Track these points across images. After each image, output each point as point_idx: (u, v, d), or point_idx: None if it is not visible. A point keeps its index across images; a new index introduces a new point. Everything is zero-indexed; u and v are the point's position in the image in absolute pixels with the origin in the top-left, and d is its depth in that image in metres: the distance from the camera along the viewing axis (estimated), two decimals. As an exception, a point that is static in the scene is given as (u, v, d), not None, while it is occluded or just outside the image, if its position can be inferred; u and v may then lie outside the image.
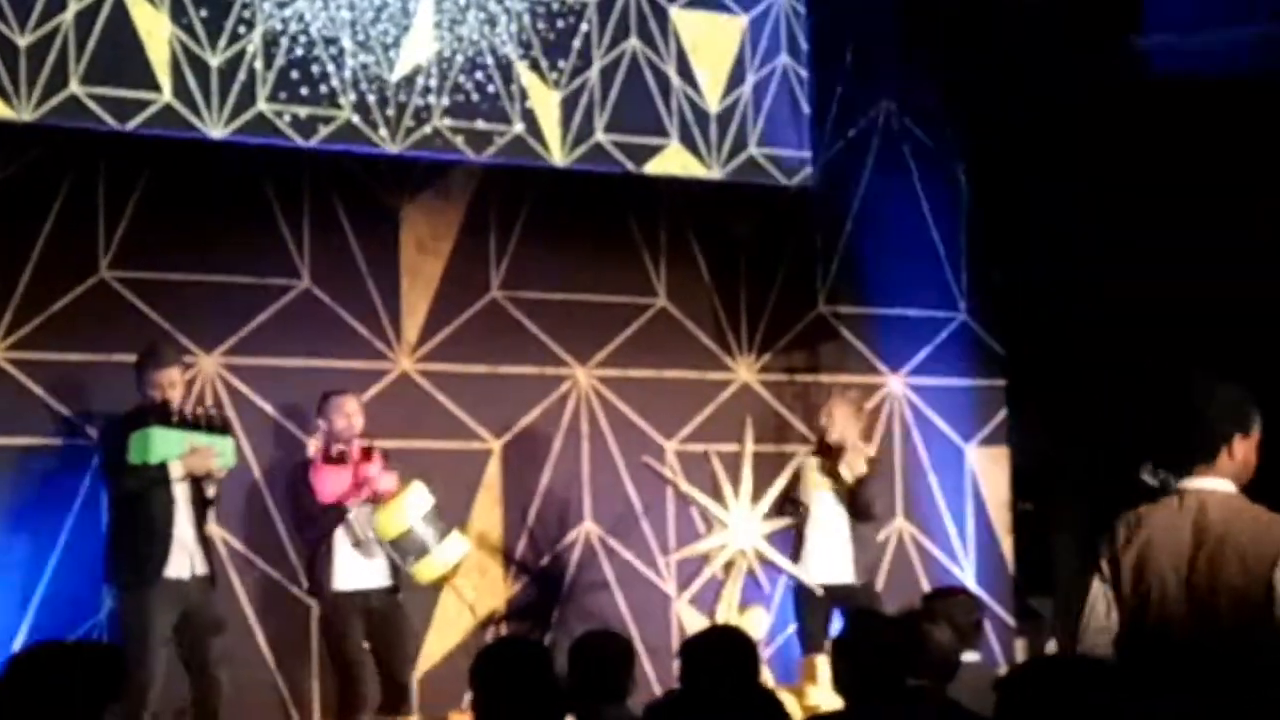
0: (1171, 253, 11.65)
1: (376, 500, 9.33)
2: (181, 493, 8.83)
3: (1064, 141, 11.81)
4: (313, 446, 9.60)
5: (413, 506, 9.28)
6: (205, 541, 9.00)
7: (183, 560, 8.84)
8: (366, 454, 9.45)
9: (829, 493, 10.18)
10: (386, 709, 9.38)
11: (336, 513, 9.31)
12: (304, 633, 9.94)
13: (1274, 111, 11.54)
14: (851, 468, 10.10)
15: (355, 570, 9.39)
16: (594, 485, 10.83)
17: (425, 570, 9.33)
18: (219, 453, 8.94)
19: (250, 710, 9.59)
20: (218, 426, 9.03)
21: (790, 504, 10.22)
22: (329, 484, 9.37)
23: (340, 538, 9.35)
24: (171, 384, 8.91)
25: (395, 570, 9.38)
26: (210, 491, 8.97)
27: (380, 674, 9.41)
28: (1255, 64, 11.77)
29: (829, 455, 10.18)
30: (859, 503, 10.11)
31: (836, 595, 10.00)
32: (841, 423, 10.18)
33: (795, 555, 10.18)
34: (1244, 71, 11.74)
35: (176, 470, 8.78)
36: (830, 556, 10.14)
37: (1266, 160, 11.54)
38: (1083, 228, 12.06)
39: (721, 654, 5.55)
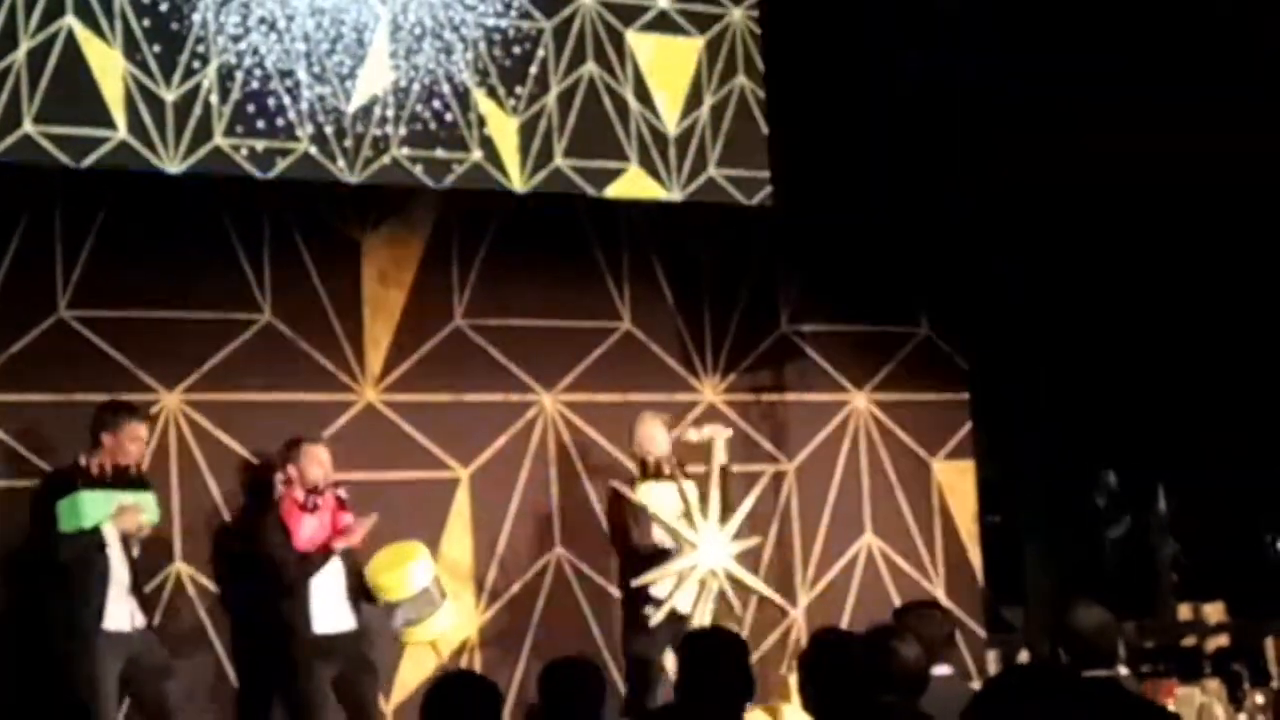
0: (1136, 266, 11.26)
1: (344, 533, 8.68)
2: (114, 549, 8.14)
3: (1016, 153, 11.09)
4: (280, 488, 8.69)
5: (422, 571, 8.74)
6: (141, 595, 8.30)
7: (121, 613, 8.16)
8: (340, 502, 8.78)
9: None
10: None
11: (317, 561, 8.61)
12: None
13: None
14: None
15: (331, 614, 8.69)
16: (563, 510, 10.04)
17: (419, 635, 8.84)
18: (144, 508, 8.24)
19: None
20: (139, 482, 8.29)
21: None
22: (306, 531, 8.64)
23: (316, 583, 8.63)
24: (134, 439, 8.25)
25: (362, 613, 8.75)
26: (135, 551, 8.26)
27: (348, 714, 8.72)
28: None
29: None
30: None
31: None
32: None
33: None
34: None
35: (111, 533, 8.10)
36: None
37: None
38: (1038, 241, 11.47)
39: (718, 649, 5.48)
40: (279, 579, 8.66)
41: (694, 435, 9.55)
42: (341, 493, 8.79)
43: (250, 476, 9.14)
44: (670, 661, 9.10)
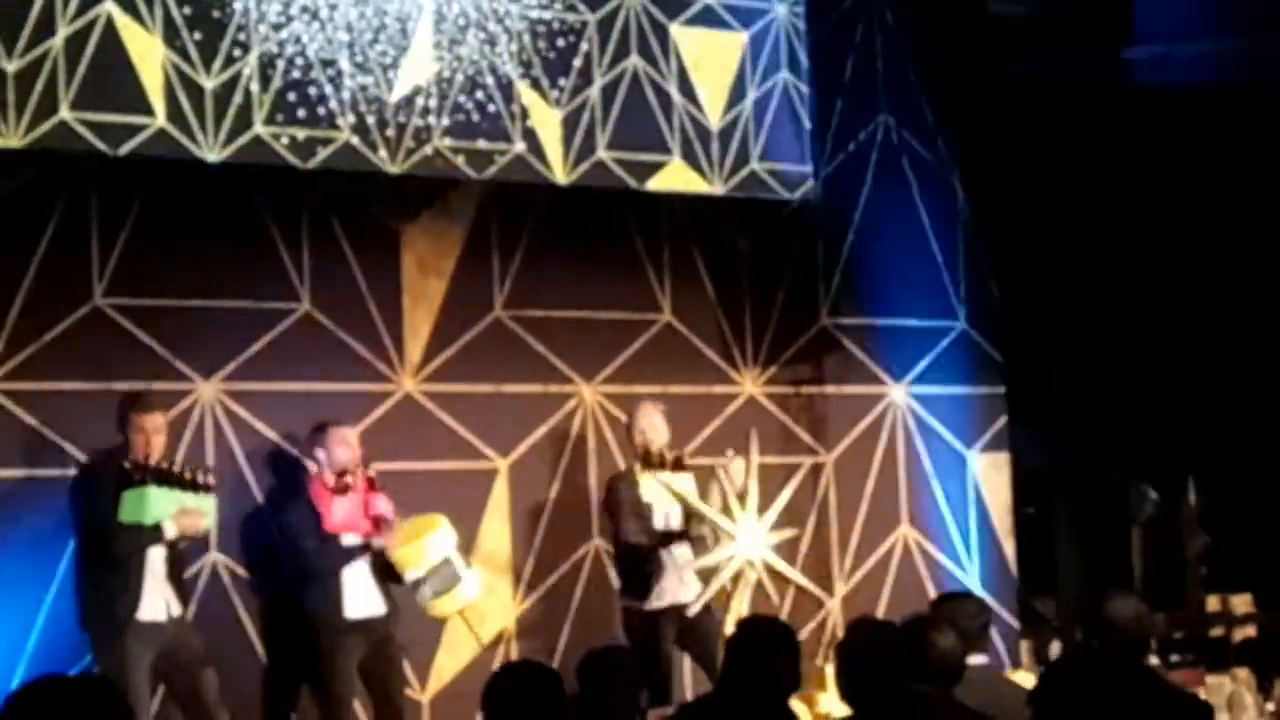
0: (1165, 260, 11.17)
1: (379, 527, 8.52)
2: (156, 546, 8.03)
3: (1056, 151, 11.15)
4: (315, 471, 8.58)
5: (441, 541, 8.53)
6: (179, 585, 8.15)
7: (157, 604, 8.02)
8: (371, 483, 8.61)
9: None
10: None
11: (351, 548, 8.47)
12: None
13: (1261, 121, 10.91)
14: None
15: (363, 599, 8.52)
16: (602, 502, 9.73)
17: (445, 605, 8.62)
18: (205, 513, 8.14)
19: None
20: (203, 486, 8.15)
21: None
22: (338, 515, 8.49)
23: (346, 569, 8.47)
24: (157, 429, 8.08)
25: (392, 596, 8.56)
26: (178, 543, 8.13)
27: (374, 700, 8.60)
28: (1238, 75, 11.15)
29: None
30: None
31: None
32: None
33: None
34: (1230, 82, 11.12)
35: (170, 531, 8.00)
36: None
37: (1255, 170, 10.89)
38: (1077, 236, 11.40)
39: (766, 643, 5.46)
40: (310, 565, 8.50)
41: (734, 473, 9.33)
42: (372, 473, 8.63)
43: (286, 465, 8.98)
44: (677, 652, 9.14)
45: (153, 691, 8.14)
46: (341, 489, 8.50)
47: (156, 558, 7.99)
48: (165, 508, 7.95)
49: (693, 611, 9.01)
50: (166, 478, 8.00)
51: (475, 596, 8.72)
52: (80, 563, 8.13)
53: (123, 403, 8.18)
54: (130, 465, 7.99)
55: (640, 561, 9.12)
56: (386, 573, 8.56)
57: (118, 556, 7.90)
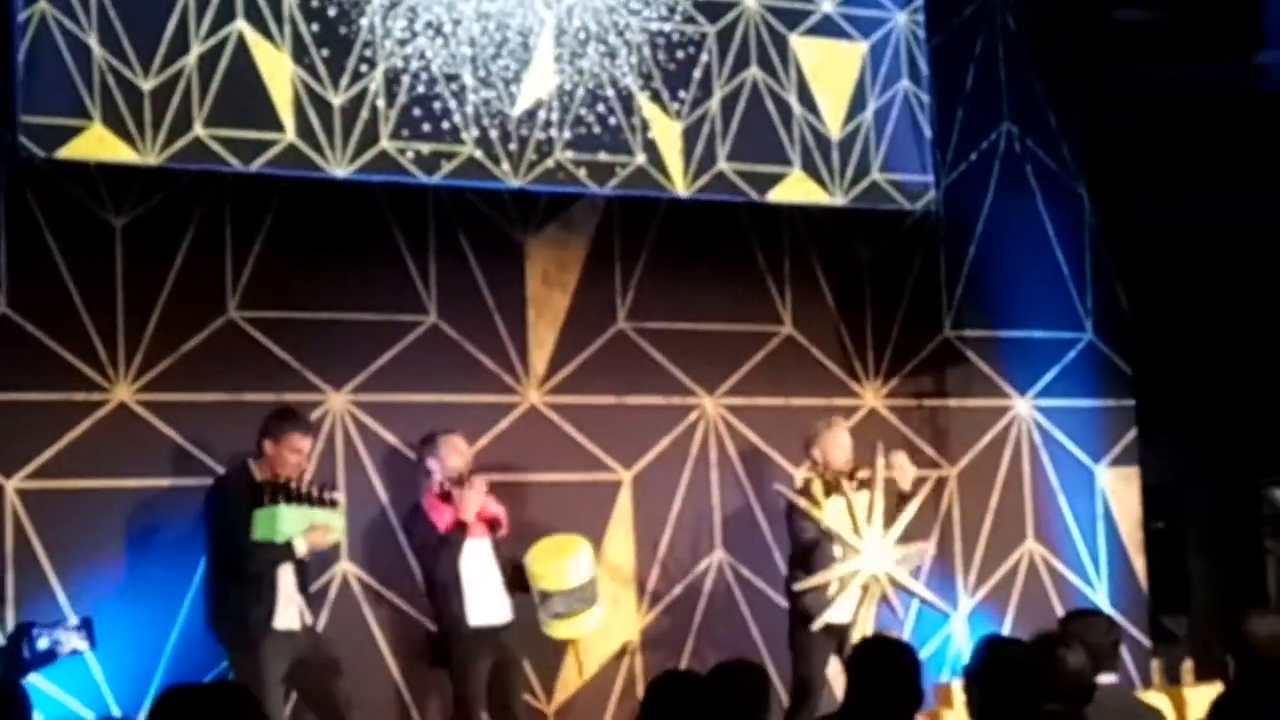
0: None
1: (495, 527, 8.50)
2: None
3: (1183, 158, 10.82)
4: (429, 480, 8.58)
5: (582, 566, 8.52)
6: (307, 596, 8.20)
7: (290, 613, 8.04)
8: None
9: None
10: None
11: (456, 541, 8.40)
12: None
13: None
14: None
15: (486, 606, 8.47)
16: (724, 513, 9.81)
17: (565, 629, 8.63)
18: (332, 529, 8.15)
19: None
20: (330, 502, 8.15)
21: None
22: (446, 520, 8.44)
23: (468, 574, 8.43)
24: (297, 450, 8.09)
25: (514, 605, 8.54)
26: (306, 560, 8.18)
27: (492, 706, 8.48)
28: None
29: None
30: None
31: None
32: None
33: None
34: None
35: (301, 548, 8.02)
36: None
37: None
38: (1207, 244, 11.08)
39: (889, 658, 5.42)
40: (429, 574, 8.50)
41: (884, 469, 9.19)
42: (483, 478, 8.54)
43: (414, 475, 8.94)
44: (833, 669, 8.92)
45: (285, 698, 8.17)
46: (449, 497, 8.47)
47: (286, 572, 8.02)
48: (296, 525, 7.96)
49: (815, 627, 8.87)
50: (296, 495, 8.01)
51: (595, 628, 8.72)
52: (212, 573, 8.15)
53: (276, 416, 8.16)
54: (263, 483, 8.02)
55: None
56: (515, 581, 8.55)
57: (250, 573, 7.92)
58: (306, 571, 8.18)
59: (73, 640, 7.71)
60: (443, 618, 8.47)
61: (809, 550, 8.95)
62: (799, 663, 8.93)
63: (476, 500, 8.44)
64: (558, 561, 8.51)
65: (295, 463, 8.08)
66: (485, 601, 8.44)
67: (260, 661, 7.86)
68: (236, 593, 7.95)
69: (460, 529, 8.39)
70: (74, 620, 7.78)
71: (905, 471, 9.12)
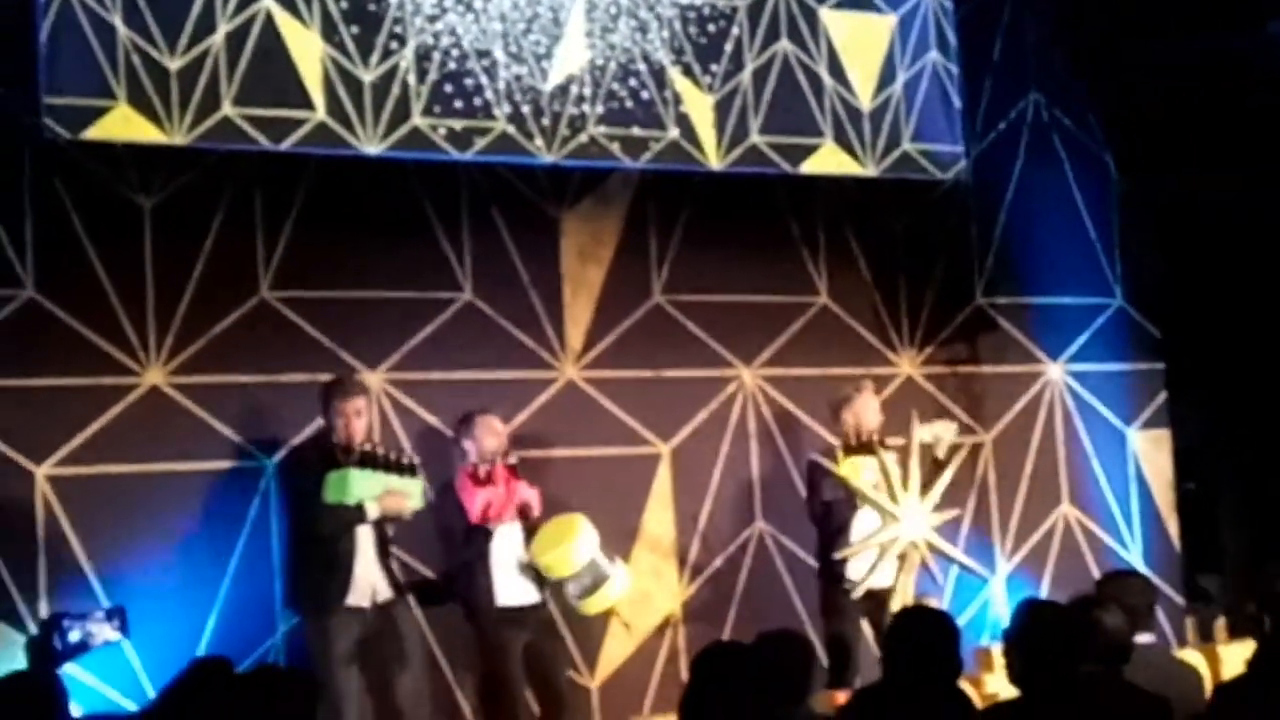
0: None
1: (525, 515, 8.36)
2: (366, 528, 7.93)
3: (1208, 125, 10.71)
4: (463, 461, 8.45)
5: (585, 544, 8.33)
6: (389, 570, 8.06)
7: (364, 590, 7.93)
8: (513, 471, 8.42)
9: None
10: (548, 720, 8.47)
11: (485, 531, 8.29)
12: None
13: None
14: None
15: (514, 587, 8.35)
16: (764, 484, 9.72)
17: (595, 604, 8.46)
18: (410, 495, 7.98)
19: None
20: (409, 468, 8.04)
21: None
22: (479, 505, 8.31)
23: (497, 559, 8.32)
24: (357, 413, 7.97)
25: (544, 584, 8.42)
26: (390, 531, 8.06)
27: (535, 684, 8.40)
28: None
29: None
30: None
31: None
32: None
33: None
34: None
35: (373, 511, 7.89)
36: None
37: None
38: (1233, 209, 10.99)
39: (924, 631, 5.46)
40: (463, 555, 8.36)
41: (926, 435, 9.09)
42: (512, 460, 8.42)
43: (450, 453, 8.77)
44: (869, 634, 8.85)
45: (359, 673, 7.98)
46: (484, 479, 8.34)
47: (366, 540, 7.91)
48: (369, 488, 7.85)
49: (856, 596, 8.77)
50: (371, 460, 7.90)
51: (623, 592, 8.58)
52: (290, 545, 8.08)
53: (325, 388, 8.09)
54: (336, 447, 7.93)
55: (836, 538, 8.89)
56: (539, 579, 8.42)
57: (322, 536, 7.81)
58: (387, 542, 8.04)
59: (105, 631, 7.60)
60: (471, 598, 8.35)
61: (829, 512, 8.85)
62: (832, 622, 8.85)
63: (530, 493, 8.37)
64: (559, 549, 8.34)
65: (359, 426, 7.97)
66: (513, 582, 8.32)
67: (329, 637, 7.77)
68: (314, 563, 7.85)
69: (490, 518, 8.29)
70: (105, 610, 7.68)
71: (943, 439, 9.02)
